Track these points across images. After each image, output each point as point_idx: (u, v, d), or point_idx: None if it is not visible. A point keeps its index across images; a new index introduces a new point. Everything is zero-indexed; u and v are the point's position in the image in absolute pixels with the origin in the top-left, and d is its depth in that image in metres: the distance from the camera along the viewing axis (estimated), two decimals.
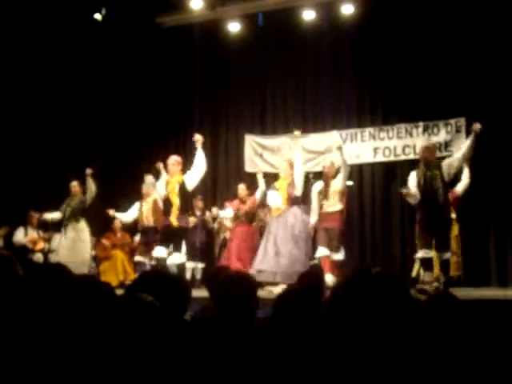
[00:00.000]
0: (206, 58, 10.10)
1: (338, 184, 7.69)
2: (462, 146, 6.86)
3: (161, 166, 7.65)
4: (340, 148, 7.41)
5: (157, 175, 7.91)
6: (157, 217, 8.37)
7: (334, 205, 7.57)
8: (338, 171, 7.61)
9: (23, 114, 9.80)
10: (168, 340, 2.04)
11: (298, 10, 9.29)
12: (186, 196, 7.59)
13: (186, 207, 7.66)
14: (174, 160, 7.68)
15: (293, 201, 7.62)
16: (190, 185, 7.50)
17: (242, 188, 8.77)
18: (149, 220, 8.60)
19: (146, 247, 8.54)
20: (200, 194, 9.21)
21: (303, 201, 7.68)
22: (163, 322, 1.94)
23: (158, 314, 1.95)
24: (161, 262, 7.70)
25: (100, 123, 10.49)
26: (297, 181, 7.62)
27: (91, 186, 8.71)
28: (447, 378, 1.88)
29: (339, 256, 7.61)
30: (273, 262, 7.40)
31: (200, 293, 7.24)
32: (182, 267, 7.87)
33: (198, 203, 9.14)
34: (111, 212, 8.95)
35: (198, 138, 7.50)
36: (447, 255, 6.65)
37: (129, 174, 8.94)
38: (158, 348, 1.91)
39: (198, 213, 9.11)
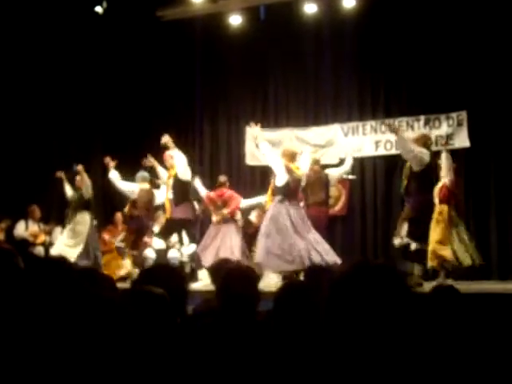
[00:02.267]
0: (207, 51, 10.08)
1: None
2: None
3: (151, 159, 8.17)
4: None
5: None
6: (141, 207, 8.32)
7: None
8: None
9: (25, 107, 9.78)
10: (172, 333, 2.04)
11: (299, 3, 9.25)
12: (182, 188, 7.61)
13: (182, 199, 7.67)
14: (169, 155, 7.78)
15: (274, 192, 7.05)
16: (186, 176, 7.65)
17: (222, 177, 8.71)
18: (136, 209, 8.44)
19: (135, 236, 8.45)
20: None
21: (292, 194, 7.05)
22: (173, 315, 1.95)
23: (168, 307, 1.95)
24: (160, 253, 7.75)
25: (101, 116, 10.48)
26: (275, 169, 6.96)
27: (86, 181, 8.61)
28: (447, 372, 1.88)
29: None
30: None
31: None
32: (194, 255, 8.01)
33: None
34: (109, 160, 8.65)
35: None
36: (415, 245, 6.81)
37: (129, 167, 8.94)
38: (161, 342, 1.91)
39: None
